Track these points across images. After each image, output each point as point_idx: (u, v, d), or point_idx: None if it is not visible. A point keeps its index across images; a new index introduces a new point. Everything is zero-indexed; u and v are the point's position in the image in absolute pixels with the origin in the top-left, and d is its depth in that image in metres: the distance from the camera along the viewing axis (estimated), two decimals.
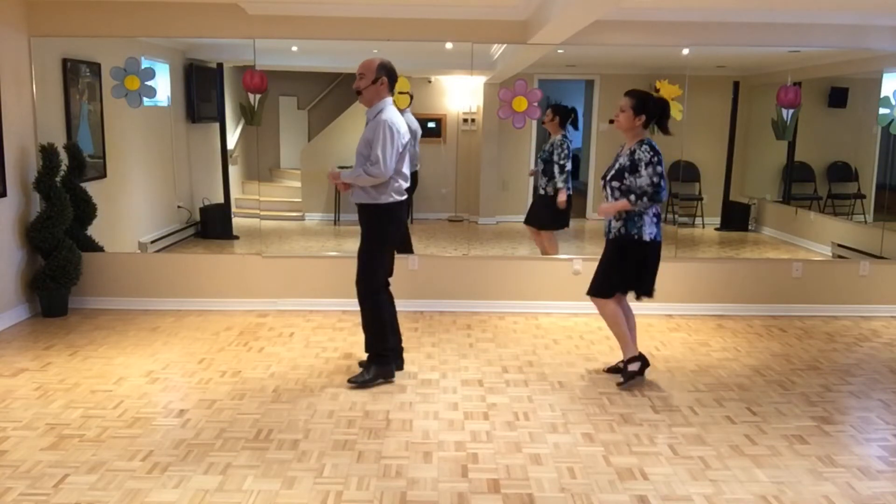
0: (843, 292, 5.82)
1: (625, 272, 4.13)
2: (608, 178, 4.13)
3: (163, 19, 5.41)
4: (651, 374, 4.36)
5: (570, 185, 5.97)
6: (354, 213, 4.16)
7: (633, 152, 4.02)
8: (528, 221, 6.23)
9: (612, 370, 4.39)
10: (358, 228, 4.14)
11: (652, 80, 5.73)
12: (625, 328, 4.21)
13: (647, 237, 4.04)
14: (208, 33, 5.54)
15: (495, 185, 6.96)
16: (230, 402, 3.86)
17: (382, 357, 4.19)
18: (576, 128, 6.05)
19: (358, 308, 4.12)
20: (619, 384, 4.18)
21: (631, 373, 4.20)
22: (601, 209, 4.13)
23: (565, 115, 5.92)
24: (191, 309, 5.63)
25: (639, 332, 5.20)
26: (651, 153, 3.96)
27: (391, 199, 4.05)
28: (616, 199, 4.07)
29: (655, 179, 3.95)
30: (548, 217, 6.07)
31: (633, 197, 3.97)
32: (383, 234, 4.11)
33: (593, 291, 4.23)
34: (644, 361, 4.24)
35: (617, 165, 4.11)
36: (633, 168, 3.99)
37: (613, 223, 4.11)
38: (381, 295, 4.17)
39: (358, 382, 4.10)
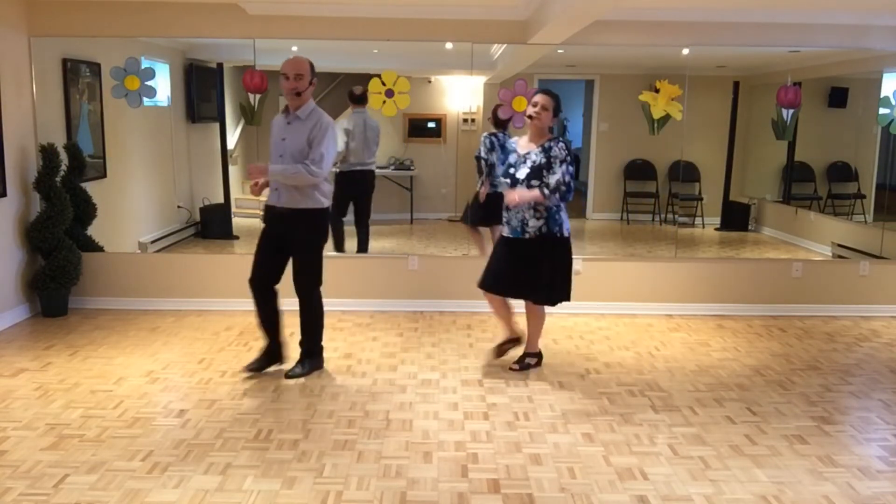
0: (843, 292, 5.82)
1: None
2: (521, 178, 4.07)
3: (163, 19, 5.41)
4: (651, 374, 4.37)
5: (493, 181, 5.79)
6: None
7: (548, 149, 4.04)
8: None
9: (500, 353, 4.54)
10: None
11: (652, 80, 5.73)
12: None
13: (566, 233, 4.12)
14: (208, 33, 5.54)
15: None
16: (230, 402, 3.86)
17: (318, 350, 4.36)
18: (501, 126, 5.93)
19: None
20: (512, 368, 4.40)
21: (528, 364, 4.42)
22: (512, 199, 4.03)
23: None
24: (191, 309, 5.63)
25: (638, 333, 5.23)
26: (566, 152, 4.03)
27: (329, 202, 4.12)
28: None
29: (568, 178, 3.99)
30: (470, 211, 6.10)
31: (546, 190, 4.00)
32: (325, 234, 4.19)
33: (565, 297, 4.23)
34: (540, 358, 4.49)
35: (529, 163, 4.07)
36: (550, 165, 4.02)
37: (532, 222, 4.07)
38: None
39: (296, 375, 4.22)
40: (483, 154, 5.77)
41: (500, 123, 5.80)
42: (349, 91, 6.24)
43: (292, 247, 4.14)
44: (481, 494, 2.95)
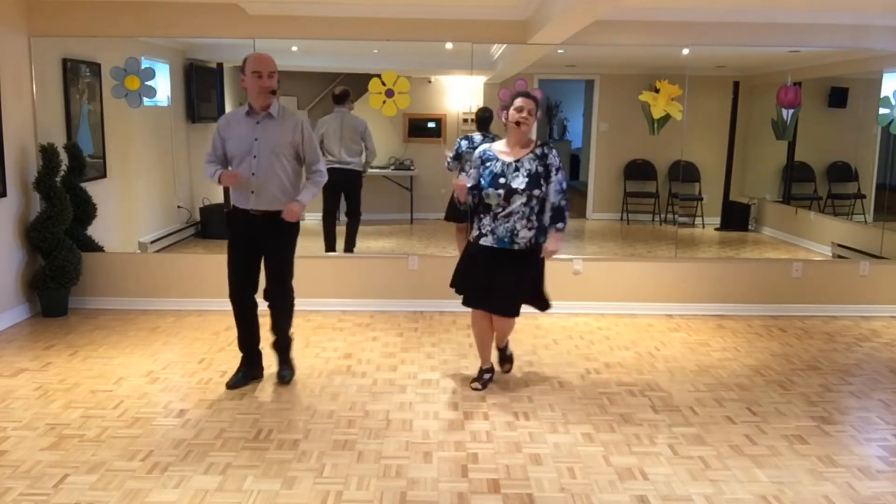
0: (843, 292, 5.82)
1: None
2: (520, 188, 3.81)
3: (163, 19, 5.41)
4: (651, 374, 4.37)
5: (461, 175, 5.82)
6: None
7: (543, 157, 3.86)
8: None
9: (503, 361, 4.42)
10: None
11: (652, 80, 5.74)
12: None
13: (542, 242, 3.98)
14: (208, 33, 5.54)
15: None
16: (230, 402, 3.86)
17: (290, 340, 4.26)
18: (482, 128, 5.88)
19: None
20: (506, 370, 4.36)
21: (511, 354, 4.41)
22: (552, 250, 3.86)
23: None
24: (191, 309, 5.63)
25: (638, 333, 5.24)
26: (559, 158, 3.92)
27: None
28: (532, 207, 3.83)
29: (564, 186, 3.85)
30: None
31: (561, 224, 3.84)
32: (298, 233, 4.07)
33: (548, 303, 4.10)
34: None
35: (524, 171, 3.83)
36: (548, 174, 3.85)
37: (523, 233, 3.84)
38: None
39: (288, 378, 4.16)
40: (449, 157, 5.78)
41: (483, 125, 5.80)
42: (332, 91, 6.26)
43: (267, 249, 3.99)
44: (481, 494, 2.95)
